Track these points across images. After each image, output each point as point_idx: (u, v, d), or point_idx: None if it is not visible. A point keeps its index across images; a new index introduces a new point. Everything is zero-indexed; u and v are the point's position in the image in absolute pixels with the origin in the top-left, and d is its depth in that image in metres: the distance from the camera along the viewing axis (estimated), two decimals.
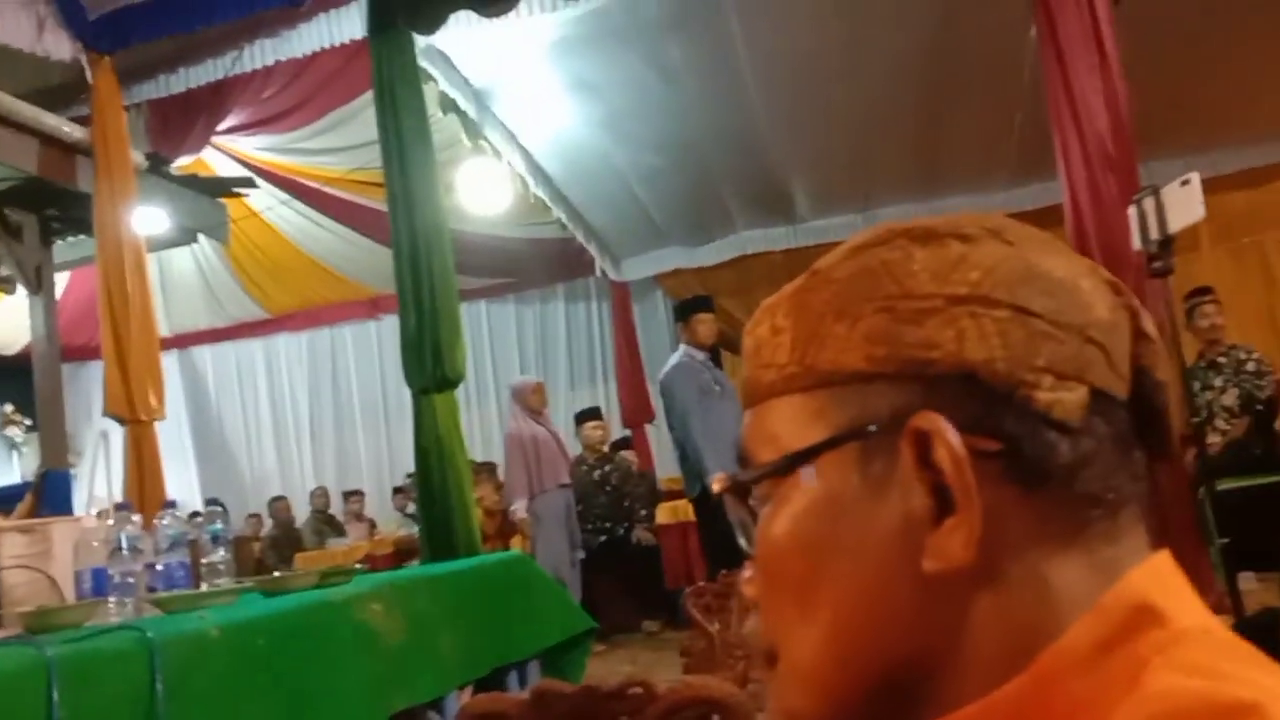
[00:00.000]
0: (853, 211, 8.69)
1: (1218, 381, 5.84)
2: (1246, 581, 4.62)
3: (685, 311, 5.68)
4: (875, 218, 8.62)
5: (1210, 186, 7.72)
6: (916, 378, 0.52)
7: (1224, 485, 5.14)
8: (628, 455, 8.27)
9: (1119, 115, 4.56)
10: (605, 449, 7.78)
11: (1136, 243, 3.50)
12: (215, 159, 7.38)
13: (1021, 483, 0.51)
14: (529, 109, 6.36)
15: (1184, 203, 3.21)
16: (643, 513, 7.54)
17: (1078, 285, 0.54)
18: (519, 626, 3.39)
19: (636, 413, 9.41)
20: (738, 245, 9.14)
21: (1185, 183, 3.21)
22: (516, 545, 7.09)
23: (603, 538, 7.36)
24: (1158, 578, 0.52)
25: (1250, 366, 5.80)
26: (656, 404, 7.67)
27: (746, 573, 0.61)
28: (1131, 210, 3.47)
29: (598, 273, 9.28)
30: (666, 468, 8.38)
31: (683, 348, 5.54)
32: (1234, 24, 5.86)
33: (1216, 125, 7.40)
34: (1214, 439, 5.66)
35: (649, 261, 9.46)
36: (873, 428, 0.53)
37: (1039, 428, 0.51)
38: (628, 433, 9.29)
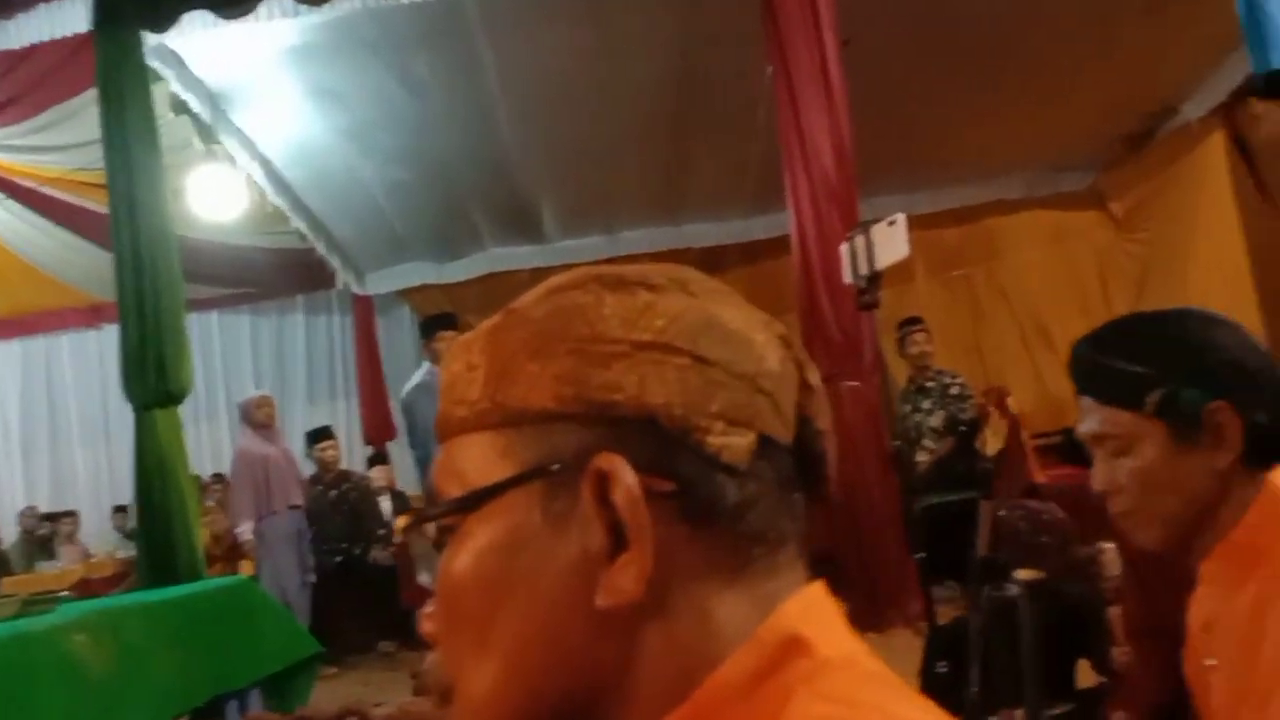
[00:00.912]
0: (600, 234, 8.86)
1: (926, 404, 6.33)
2: (951, 589, 5.00)
3: (429, 329, 5.62)
4: (621, 240, 8.84)
5: (926, 222, 8.45)
6: (601, 419, 0.54)
7: (931, 500, 5.58)
8: (377, 472, 8.05)
9: (843, 153, 4.87)
10: (340, 468, 7.57)
11: (848, 277, 3.75)
12: None
13: (692, 521, 0.54)
14: (269, 114, 6.14)
15: (891, 241, 3.45)
16: (380, 532, 7.38)
17: (751, 338, 0.57)
18: (240, 653, 3.26)
19: (379, 430, 9.20)
20: (486, 263, 9.13)
21: (892, 222, 3.46)
22: (247, 569, 6.79)
23: (339, 558, 7.15)
24: (809, 609, 0.55)
25: (954, 391, 6.32)
26: (399, 421, 7.54)
27: (428, 608, 0.60)
28: (844, 247, 3.71)
29: (339, 285, 9.02)
30: (409, 486, 8.24)
31: (425, 365, 5.49)
32: (949, 71, 6.36)
33: (933, 165, 8.02)
34: (922, 457, 6.13)
35: (394, 276, 9.30)
36: (556, 466, 0.54)
37: (710, 470, 0.54)
38: (372, 449, 9.06)
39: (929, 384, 6.38)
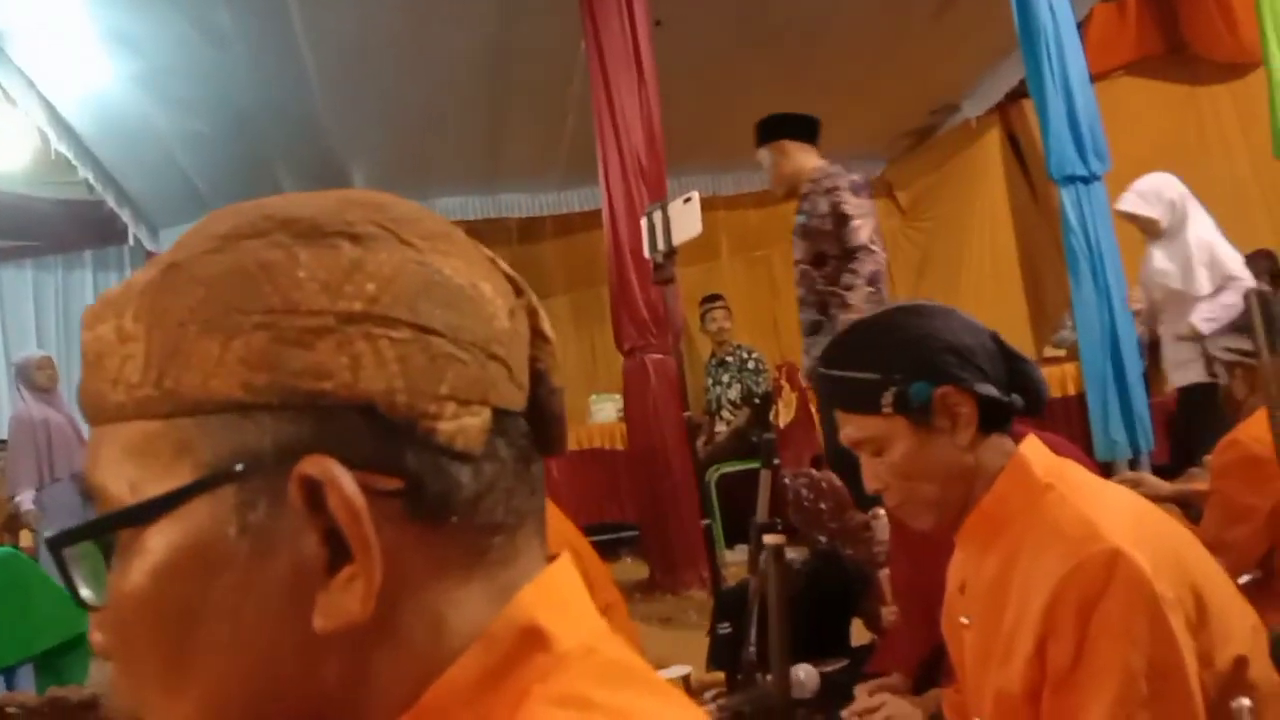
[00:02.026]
0: (414, 200, 8.69)
1: (725, 377, 6.63)
2: (744, 553, 5.23)
3: None
4: (437, 208, 8.58)
5: (731, 203, 8.66)
6: (306, 409, 0.45)
7: (728, 469, 5.82)
8: None
9: (653, 131, 5.00)
10: None
11: (646, 252, 3.83)
12: None
13: (423, 520, 0.47)
14: (53, 56, 5.75)
15: (685, 218, 3.53)
16: None
17: (479, 291, 0.50)
18: (7, 629, 3.09)
19: None
20: None
21: (687, 200, 3.54)
22: (27, 539, 6.43)
23: None
24: (547, 595, 0.50)
25: (751, 365, 6.64)
26: None
27: (95, 617, 0.50)
28: (644, 222, 3.78)
29: (131, 241, 8.57)
30: None
31: None
32: (755, 60, 6.57)
33: (740, 147, 8.22)
34: (721, 428, 6.43)
35: None
36: (252, 468, 0.45)
37: (441, 461, 0.46)
38: None
39: (728, 358, 6.67)
